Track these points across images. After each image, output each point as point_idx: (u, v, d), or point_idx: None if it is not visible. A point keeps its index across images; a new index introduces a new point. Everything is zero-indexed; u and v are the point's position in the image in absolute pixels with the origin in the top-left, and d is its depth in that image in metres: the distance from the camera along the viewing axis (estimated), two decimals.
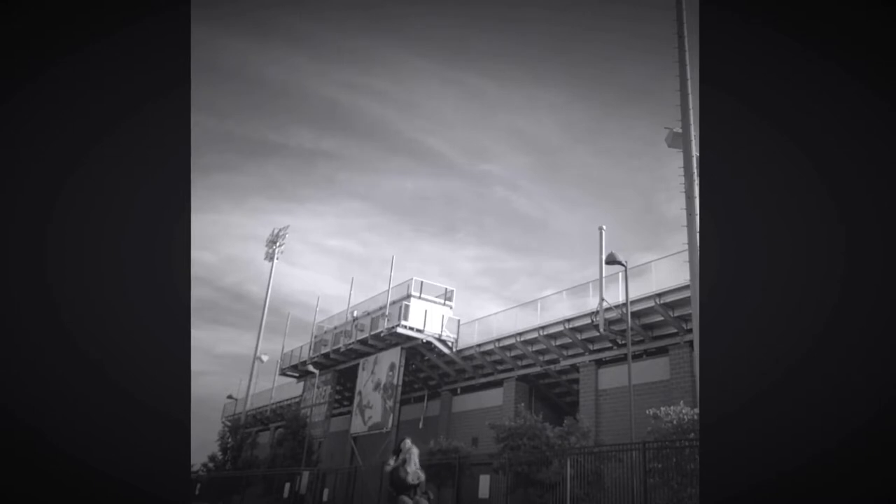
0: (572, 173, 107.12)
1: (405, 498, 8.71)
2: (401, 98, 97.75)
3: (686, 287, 17.82)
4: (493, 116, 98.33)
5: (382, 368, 30.15)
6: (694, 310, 15.43)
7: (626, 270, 18.31)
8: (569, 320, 23.37)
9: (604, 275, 21.91)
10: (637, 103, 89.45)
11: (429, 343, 28.59)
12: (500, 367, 27.56)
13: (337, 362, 34.19)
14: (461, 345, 28.72)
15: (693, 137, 15.82)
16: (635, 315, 20.28)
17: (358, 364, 32.59)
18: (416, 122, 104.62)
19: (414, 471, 8.91)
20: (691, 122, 15.96)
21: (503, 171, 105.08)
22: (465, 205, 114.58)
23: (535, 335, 24.67)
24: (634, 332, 20.23)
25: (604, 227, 23.03)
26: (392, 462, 9.28)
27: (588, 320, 22.32)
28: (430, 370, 30.96)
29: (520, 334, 25.50)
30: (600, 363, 23.00)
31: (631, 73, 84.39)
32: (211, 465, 38.01)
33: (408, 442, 9.63)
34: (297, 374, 39.17)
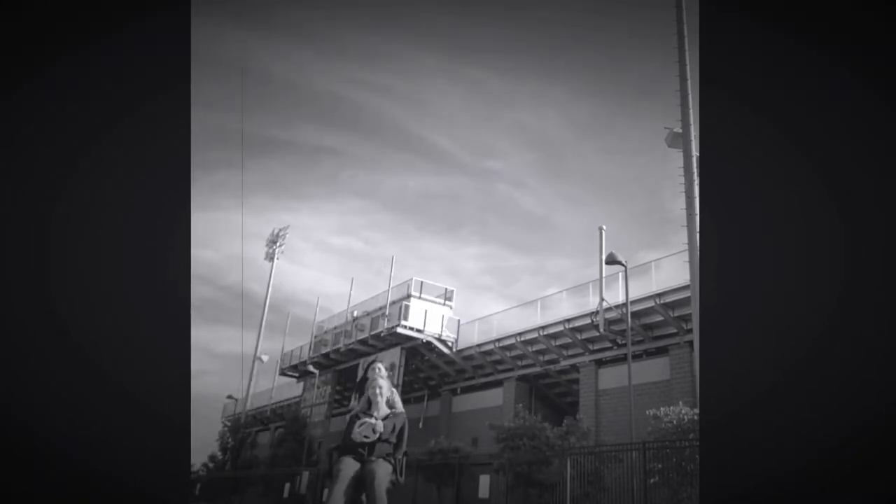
0: (577, 170, 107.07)
1: (348, 459, 4.75)
2: (405, 94, 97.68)
3: (686, 287, 17.82)
4: (497, 112, 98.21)
5: None
6: (694, 310, 15.42)
7: (626, 270, 18.31)
8: (569, 320, 23.37)
9: (606, 274, 21.91)
10: (643, 99, 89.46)
11: (429, 343, 28.59)
12: (500, 367, 27.55)
13: (337, 362, 34.18)
14: (461, 345, 28.72)
15: (693, 137, 15.82)
16: (635, 315, 20.27)
17: (358, 364, 32.58)
18: (421, 118, 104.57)
19: (371, 423, 4.83)
20: (691, 121, 15.96)
21: (507, 169, 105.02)
22: (469, 202, 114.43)
23: (535, 335, 24.68)
24: (634, 332, 20.22)
25: (604, 227, 23.04)
26: (355, 404, 5.66)
27: (588, 320, 22.33)
28: (430, 370, 30.95)
29: (520, 334, 25.51)
30: (600, 363, 22.99)
31: (637, 70, 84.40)
32: (211, 465, 38.00)
33: (377, 367, 5.38)
34: (297, 375, 39.17)
